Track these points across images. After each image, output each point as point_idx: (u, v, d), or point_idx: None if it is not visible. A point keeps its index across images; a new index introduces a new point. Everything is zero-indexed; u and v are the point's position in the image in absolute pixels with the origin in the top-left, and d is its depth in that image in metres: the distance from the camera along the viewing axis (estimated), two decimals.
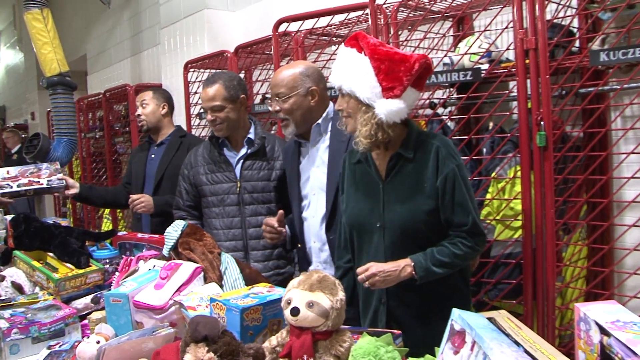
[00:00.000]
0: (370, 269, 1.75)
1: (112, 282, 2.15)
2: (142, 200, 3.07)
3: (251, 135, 2.65)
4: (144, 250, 2.47)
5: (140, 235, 2.65)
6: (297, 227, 2.33)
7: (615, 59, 2.12)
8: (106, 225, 5.80)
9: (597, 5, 2.36)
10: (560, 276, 2.42)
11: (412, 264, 1.76)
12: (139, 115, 3.32)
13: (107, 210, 5.84)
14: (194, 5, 4.67)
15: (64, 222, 3.75)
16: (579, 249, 2.49)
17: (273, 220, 2.25)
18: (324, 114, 2.27)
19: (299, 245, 2.33)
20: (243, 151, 2.65)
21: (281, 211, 2.28)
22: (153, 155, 3.30)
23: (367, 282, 1.76)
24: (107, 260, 2.44)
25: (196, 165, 2.71)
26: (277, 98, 2.25)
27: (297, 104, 2.23)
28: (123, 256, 2.37)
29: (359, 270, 1.78)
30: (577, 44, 2.46)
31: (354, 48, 1.79)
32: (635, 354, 0.99)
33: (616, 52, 2.11)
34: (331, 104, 2.30)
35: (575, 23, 2.49)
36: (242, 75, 4.14)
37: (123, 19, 6.68)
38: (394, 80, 1.73)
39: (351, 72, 1.78)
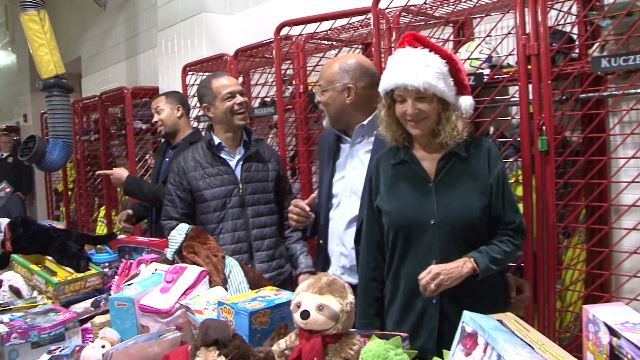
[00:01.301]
0: (433, 270, 1.73)
1: (111, 286, 2.15)
2: (113, 172, 3.29)
3: (246, 138, 2.70)
4: (143, 253, 2.46)
5: (139, 238, 2.65)
6: (321, 223, 2.30)
7: (616, 65, 2.14)
8: (100, 229, 5.77)
9: (597, 12, 2.39)
10: (560, 279, 2.44)
11: (472, 259, 1.76)
12: (155, 122, 3.36)
13: (101, 214, 5.82)
14: (192, 8, 4.67)
15: (59, 226, 3.72)
16: (578, 252, 2.51)
17: (303, 203, 2.24)
18: (371, 116, 2.19)
19: (321, 242, 2.30)
20: (240, 154, 2.67)
21: (314, 195, 2.27)
22: (167, 159, 3.32)
23: (432, 284, 1.72)
24: (107, 264, 2.43)
25: (190, 171, 2.63)
26: (318, 88, 2.27)
27: (332, 99, 2.20)
28: (122, 260, 2.36)
29: (420, 275, 1.73)
30: (576, 50, 2.48)
31: (425, 48, 1.78)
32: None
33: (617, 59, 2.14)
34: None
35: (575, 30, 2.52)
36: (240, 79, 4.15)
37: (119, 21, 6.66)
38: (465, 77, 1.83)
39: (433, 73, 1.75)
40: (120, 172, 3.30)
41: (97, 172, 3.61)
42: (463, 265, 1.74)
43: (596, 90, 2.35)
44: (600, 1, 2.48)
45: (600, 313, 1.17)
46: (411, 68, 1.75)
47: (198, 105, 4.30)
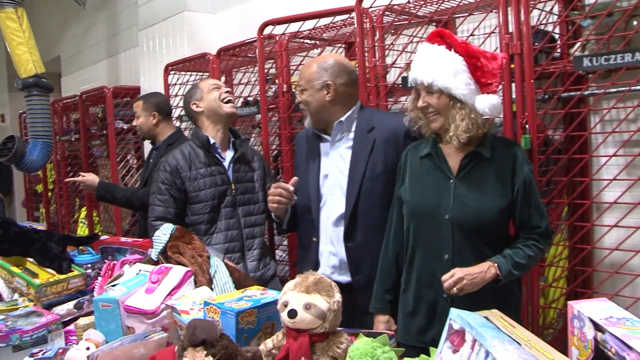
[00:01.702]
0: (456, 274, 1.74)
1: (94, 287, 2.12)
2: (85, 179, 3.34)
3: (233, 139, 2.73)
4: (127, 254, 2.44)
5: (123, 239, 2.62)
6: (312, 223, 2.27)
7: (598, 64, 2.17)
8: (82, 230, 5.71)
9: (579, 12, 2.42)
10: (543, 276, 2.47)
11: (496, 264, 1.78)
12: (134, 125, 3.51)
13: (82, 214, 5.76)
14: (174, 7, 4.63)
15: (40, 227, 3.68)
16: (560, 249, 2.54)
17: (286, 184, 2.22)
18: (349, 112, 2.24)
19: (314, 239, 2.27)
20: (230, 154, 2.69)
21: (295, 178, 2.25)
22: (151, 160, 3.37)
23: (455, 288, 1.73)
24: (89, 265, 2.41)
25: (184, 171, 2.61)
26: (298, 88, 2.27)
27: (312, 97, 2.22)
28: (105, 260, 2.34)
29: (444, 277, 1.75)
30: (558, 49, 2.51)
31: (441, 45, 1.82)
32: (630, 348, 1.02)
33: (598, 58, 2.16)
34: (358, 102, 2.28)
35: (557, 29, 2.54)
36: (222, 78, 4.13)
37: (99, 20, 6.59)
38: (491, 76, 1.80)
39: (443, 69, 1.80)
40: (92, 179, 3.34)
41: (66, 180, 3.66)
42: (487, 271, 1.77)
43: (578, 89, 2.38)
44: (582, 1, 2.51)
45: (585, 309, 1.19)
46: (423, 63, 1.84)
47: (181, 105, 4.31)
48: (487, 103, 1.80)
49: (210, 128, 2.68)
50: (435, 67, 1.81)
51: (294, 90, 2.65)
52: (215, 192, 2.61)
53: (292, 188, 2.19)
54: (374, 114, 2.30)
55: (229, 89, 2.76)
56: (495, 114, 1.85)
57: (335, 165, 2.24)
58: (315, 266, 2.26)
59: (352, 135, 2.23)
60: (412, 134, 2.11)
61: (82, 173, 3.44)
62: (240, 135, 2.77)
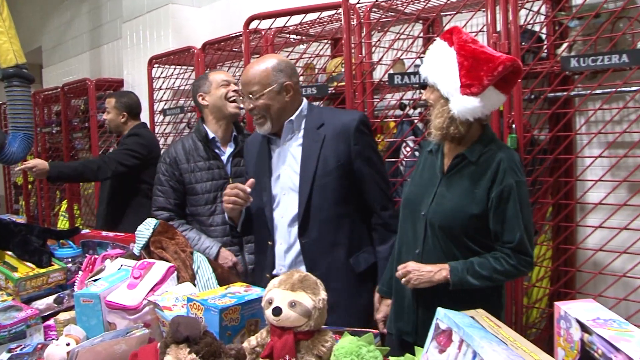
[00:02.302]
0: (409, 266, 1.80)
1: (75, 282, 2.09)
2: (34, 165, 3.33)
3: (236, 133, 2.72)
4: (108, 248, 2.42)
5: (104, 233, 2.59)
6: (266, 225, 2.22)
7: (585, 65, 2.17)
8: (62, 223, 5.64)
9: (566, 13, 2.43)
10: (527, 276, 2.47)
11: (449, 269, 1.76)
12: (104, 118, 3.76)
13: (63, 208, 5.69)
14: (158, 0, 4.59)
15: (19, 220, 3.63)
16: (545, 249, 2.55)
17: (242, 186, 2.12)
18: (298, 111, 2.19)
19: (270, 243, 2.23)
20: (231, 148, 2.69)
21: (252, 179, 2.16)
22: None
23: (403, 279, 1.81)
24: (70, 259, 2.38)
25: (182, 163, 2.64)
26: (250, 96, 2.14)
27: (272, 100, 2.14)
28: (86, 255, 2.32)
29: (399, 266, 1.84)
30: (545, 49, 2.51)
31: (446, 42, 1.80)
32: (617, 350, 1.02)
33: (586, 59, 2.17)
34: (305, 100, 2.24)
35: (544, 30, 2.55)
36: (207, 71, 4.08)
37: (82, 12, 6.51)
38: (473, 78, 1.72)
39: (438, 64, 1.79)
40: (40, 163, 3.35)
41: (17, 168, 3.63)
42: (437, 272, 1.77)
43: (564, 89, 2.38)
44: (569, 2, 2.52)
45: (572, 310, 1.18)
46: (427, 58, 1.86)
47: (165, 98, 4.27)
48: (460, 105, 1.73)
49: (213, 122, 2.69)
50: (433, 62, 1.81)
51: (239, 97, 2.41)
52: (212, 185, 2.63)
53: (249, 189, 2.11)
54: (323, 111, 2.28)
55: (236, 88, 2.68)
56: (467, 116, 1.74)
57: (288, 165, 2.19)
58: (272, 269, 2.20)
59: (301, 133, 2.19)
60: (364, 128, 2.14)
61: (28, 160, 3.48)
62: (243, 130, 2.77)
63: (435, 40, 1.85)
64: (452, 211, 1.80)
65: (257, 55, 3.48)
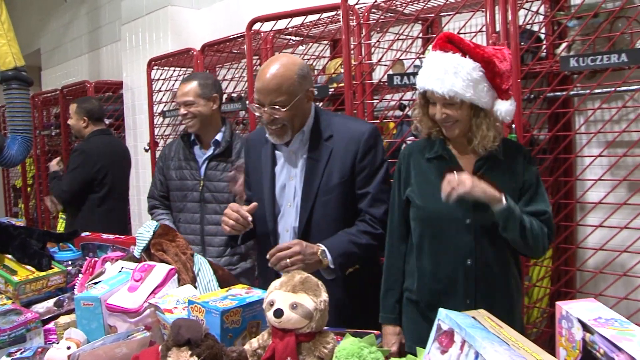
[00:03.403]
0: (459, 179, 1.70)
1: (75, 285, 2.09)
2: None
3: (219, 137, 2.74)
4: (108, 251, 2.41)
5: (104, 235, 2.58)
6: (268, 238, 2.14)
7: (584, 65, 2.18)
8: (62, 226, 5.62)
9: (565, 13, 2.43)
10: (527, 276, 2.47)
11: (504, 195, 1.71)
12: (68, 124, 4.04)
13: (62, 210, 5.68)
14: (157, 1, 4.58)
15: (18, 223, 3.64)
16: None
17: (244, 210, 1.96)
18: (309, 119, 2.07)
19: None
20: (210, 151, 2.75)
21: (255, 203, 2.03)
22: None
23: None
24: (70, 262, 2.37)
25: (168, 160, 2.86)
26: (275, 107, 1.95)
27: (297, 110, 2.00)
28: (86, 258, 2.31)
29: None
30: (544, 49, 2.52)
31: (455, 53, 1.71)
32: (619, 349, 1.02)
33: (585, 59, 2.17)
34: (312, 104, 2.11)
35: (543, 30, 2.55)
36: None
37: (81, 14, 6.51)
38: (507, 80, 1.73)
39: (463, 79, 1.69)
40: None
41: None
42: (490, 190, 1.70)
43: (564, 89, 2.39)
44: (568, 2, 2.52)
45: (574, 309, 1.18)
46: (438, 74, 1.71)
47: (164, 100, 4.28)
48: (506, 109, 1.74)
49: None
50: (454, 78, 1.69)
51: (256, 106, 2.06)
52: (182, 185, 2.81)
53: (250, 217, 1.95)
54: (332, 120, 2.10)
55: (184, 110, 2.72)
56: (510, 118, 1.80)
57: (294, 176, 2.09)
58: (276, 277, 2.14)
59: (308, 144, 2.07)
60: (372, 143, 2.03)
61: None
62: (231, 133, 2.78)
63: (433, 52, 1.76)
64: None
65: (257, 57, 3.49)
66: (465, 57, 1.71)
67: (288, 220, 2.10)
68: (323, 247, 1.92)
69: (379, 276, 2.03)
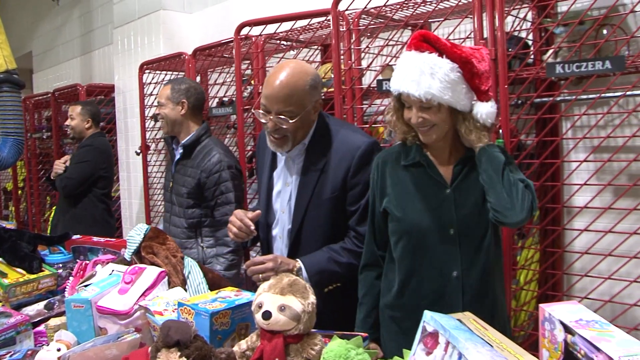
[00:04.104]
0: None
1: (65, 288, 2.10)
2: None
3: (186, 140, 2.86)
4: (99, 254, 2.42)
5: (95, 238, 2.59)
6: (261, 237, 2.18)
7: (570, 71, 2.21)
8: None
9: (551, 20, 2.47)
10: (514, 279, 2.50)
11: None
12: (67, 125, 4.17)
13: (53, 213, 5.67)
14: (150, 5, 4.59)
15: (9, 226, 3.64)
16: (532, 253, 2.58)
17: (248, 219, 1.92)
18: (312, 130, 2.01)
19: None
20: (178, 154, 2.91)
21: (258, 211, 2.01)
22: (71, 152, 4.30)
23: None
24: (61, 265, 2.37)
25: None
26: (281, 116, 1.89)
27: (303, 122, 1.94)
28: (77, 260, 2.31)
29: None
30: (531, 56, 2.55)
31: (431, 52, 1.60)
32: (598, 349, 1.04)
33: (570, 65, 2.20)
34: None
35: (530, 36, 2.59)
36: (198, 78, 4.11)
37: (73, 17, 6.51)
38: (487, 81, 1.65)
39: (441, 81, 1.59)
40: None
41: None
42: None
43: (550, 95, 2.42)
44: (555, 9, 2.55)
45: (556, 311, 1.20)
46: (414, 76, 1.60)
47: (156, 104, 4.30)
48: (487, 112, 1.64)
49: None
50: (431, 80, 1.59)
51: (262, 113, 2.00)
52: (164, 182, 3.10)
53: (252, 226, 1.92)
54: (332, 129, 2.04)
55: (157, 111, 2.96)
56: (493, 121, 1.68)
57: (289, 183, 2.07)
58: None
59: (304, 156, 2.03)
60: (367, 159, 1.95)
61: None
62: (194, 141, 2.85)
63: (407, 52, 1.66)
64: (481, 217, 1.69)
65: (248, 62, 3.50)
66: (442, 57, 1.60)
67: (281, 225, 2.10)
68: (300, 265, 1.91)
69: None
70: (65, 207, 4.10)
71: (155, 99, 4.29)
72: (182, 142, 2.86)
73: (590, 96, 2.33)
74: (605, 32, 2.33)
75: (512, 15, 2.50)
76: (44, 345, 1.72)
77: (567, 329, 1.14)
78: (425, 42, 1.62)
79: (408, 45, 1.67)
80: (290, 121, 1.89)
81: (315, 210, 1.99)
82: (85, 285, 1.84)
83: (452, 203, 1.71)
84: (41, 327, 1.84)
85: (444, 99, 1.60)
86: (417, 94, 1.60)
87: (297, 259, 1.93)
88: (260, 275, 1.81)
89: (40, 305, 2.00)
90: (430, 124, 1.66)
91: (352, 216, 2.00)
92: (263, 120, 1.95)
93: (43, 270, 2.15)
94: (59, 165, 4.05)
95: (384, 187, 1.82)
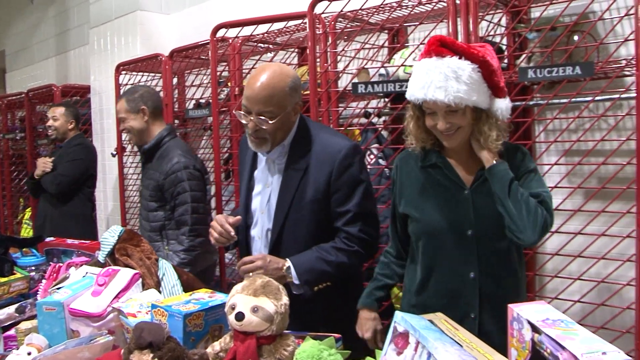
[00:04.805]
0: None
1: (38, 291, 2.07)
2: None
3: (147, 145, 2.90)
4: (73, 256, 2.39)
5: (69, 241, 2.57)
6: (240, 239, 2.16)
7: (542, 76, 2.24)
8: (26, 232, 5.53)
9: (525, 25, 2.51)
10: None
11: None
12: (49, 126, 4.16)
13: (27, 215, 5.59)
14: (127, 6, 4.56)
15: None
16: None
17: (228, 224, 1.96)
18: (292, 131, 2.03)
19: None
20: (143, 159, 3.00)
21: (239, 216, 2.02)
22: (54, 156, 4.14)
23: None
24: (33, 268, 2.35)
25: None
26: (261, 117, 1.91)
27: (283, 124, 1.97)
28: (50, 263, 2.28)
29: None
30: (505, 60, 2.59)
31: (453, 56, 1.61)
32: (563, 347, 1.07)
33: (542, 70, 2.23)
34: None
35: (504, 41, 2.63)
36: (175, 79, 4.10)
37: (48, 16, 6.44)
38: (501, 77, 1.66)
39: (465, 84, 1.59)
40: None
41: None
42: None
43: (523, 99, 2.46)
44: (528, 15, 2.60)
45: (524, 311, 1.23)
46: (439, 82, 1.60)
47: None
48: (505, 107, 1.67)
49: None
50: (457, 84, 1.59)
51: (243, 114, 2.00)
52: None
53: (233, 232, 1.96)
54: (313, 132, 2.06)
55: (122, 128, 3.00)
56: (507, 116, 1.70)
57: (269, 185, 2.08)
58: None
59: (285, 158, 2.04)
60: (350, 161, 1.98)
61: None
62: (155, 144, 2.88)
63: (427, 59, 1.64)
64: (502, 219, 1.66)
65: (225, 64, 3.50)
66: (462, 59, 1.61)
67: (260, 228, 2.11)
68: (289, 264, 1.92)
69: (353, 292, 2.04)
70: (54, 205, 4.09)
71: None
72: (144, 147, 2.91)
73: (562, 100, 2.37)
74: (576, 38, 2.37)
75: (486, 20, 2.54)
76: (13, 349, 1.71)
77: (534, 328, 1.17)
78: (444, 47, 1.63)
79: (425, 51, 1.66)
80: (270, 122, 1.91)
81: (297, 212, 2.01)
82: (58, 288, 1.82)
83: (470, 204, 1.72)
84: (12, 331, 1.82)
85: (471, 101, 1.61)
86: (446, 100, 1.60)
87: (286, 259, 1.94)
88: (251, 273, 1.83)
89: (12, 309, 1.97)
90: (456, 127, 1.66)
91: (341, 218, 2.00)
92: (244, 121, 1.97)
93: (15, 273, 2.12)
94: (46, 164, 4.03)
95: (402, 189, 1.85)
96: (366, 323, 1.92)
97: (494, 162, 1.67)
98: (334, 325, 1.69)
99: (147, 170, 2.89)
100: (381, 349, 1.62)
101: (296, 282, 1.91)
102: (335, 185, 1.98)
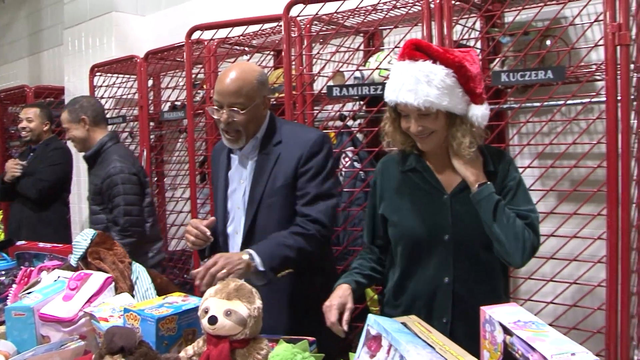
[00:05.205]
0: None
1: (8, 296, 2.04)
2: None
3: (87, 152, 3.01)
4: (45, 260, 2.36)
5: (41, 244, 2.53)
6: (220, 240, 2.17)
7: (515, 80, 2.27)
8: None
9: (498, 29, 2.54)
10: None
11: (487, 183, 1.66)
12: (23, 128, 4.01)
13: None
14: (102, 7, 4.52)
15: None
16: None
17: (203, 226, 1.96)
18: (263, 125, 2.08)
19: None
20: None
21: (213, 218, 2.05)
22: (31, 154, 4.05)
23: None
24: (3, 272, 2.30)
25: None
26: (233, 109, 1.96)
27: (254, 115, 2.01)
28: (21, 267, 2.25)
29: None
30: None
31: (425, 60, 1.61)
32: (533, 349, 1.08)
33: (515, 74, 2.26)
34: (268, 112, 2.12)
35: (478, 45, 2.65)
36: (150, 81, 4.07)
37: (20, 16, 6.35)
38: (480, 83, 1.66)
39: (438, 88, 1.59)
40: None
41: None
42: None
43: (497, 102, 2.48)
44: (502, 19, 2.63)
45: (496, 313, 1.24)
46: (410, 85, 1.60)
47: (107, 107, 4.24)
48: (482, 114, 1.66)
49: None
50: (428, 87, 1.59)
51: (215, 108, 2.05)
52: None
53: (208, 232, 1.96)
54: (283, 126, 2.13)
55: (67, 139, 3.11)
56: (485, 123, 1.69)
57: (243, 179, 2.11)
58: None
59: (257, 152, 2.09)
60: (317, 150, 2.02)
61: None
62: (95, 150, 2.97)
63: (400, 62, 1.66)
64: (480, 226, 1.67)
65: (200, 66, 3.48)
66: (436, 63, 1.61)
67: (237, 223, 2.12)
68: (250, 251, 1.89)
69: (321, 287, 1.98)
70: (32, 210, 3.98)
71: (105, 102, 4.23)
72: (86, 154, 3.01)
73: (535, 104, 2.40)
74: (548, 42, 2.41)
75: (460, 24, 2.55)
76: None
77: (506, 330, 1.18)
78: (418, 51, 1.63)
79: (400, 55, 1.67)
80: (241, 112, 1.96)
81: (269, 199, 2.03)
82: (29, 293, 1.79)
83: (449, 209, 1.72)
84: None
85: (442, 105, 1.61)
86: (415, 103, 1.60)
87: (245, 250, 1.91)
88: (220, 273, 1.76)
89: None
90: (429, 131, 1.67)
91: (301, 199, 2.02)
92: (216, 116, 2.02)
93: None
94: (15, 168, 3.90)
95: (382, 192, 1.86)
96: (335, 300, 1.75)
97: (477, 187, 1.67)
98: (307, 328, 1.68)
99: (90, 176, 3.02)
100: (344, 332, 1.65)
101: (261, 268, 1.87)
102: (302, 170, 2.02)
